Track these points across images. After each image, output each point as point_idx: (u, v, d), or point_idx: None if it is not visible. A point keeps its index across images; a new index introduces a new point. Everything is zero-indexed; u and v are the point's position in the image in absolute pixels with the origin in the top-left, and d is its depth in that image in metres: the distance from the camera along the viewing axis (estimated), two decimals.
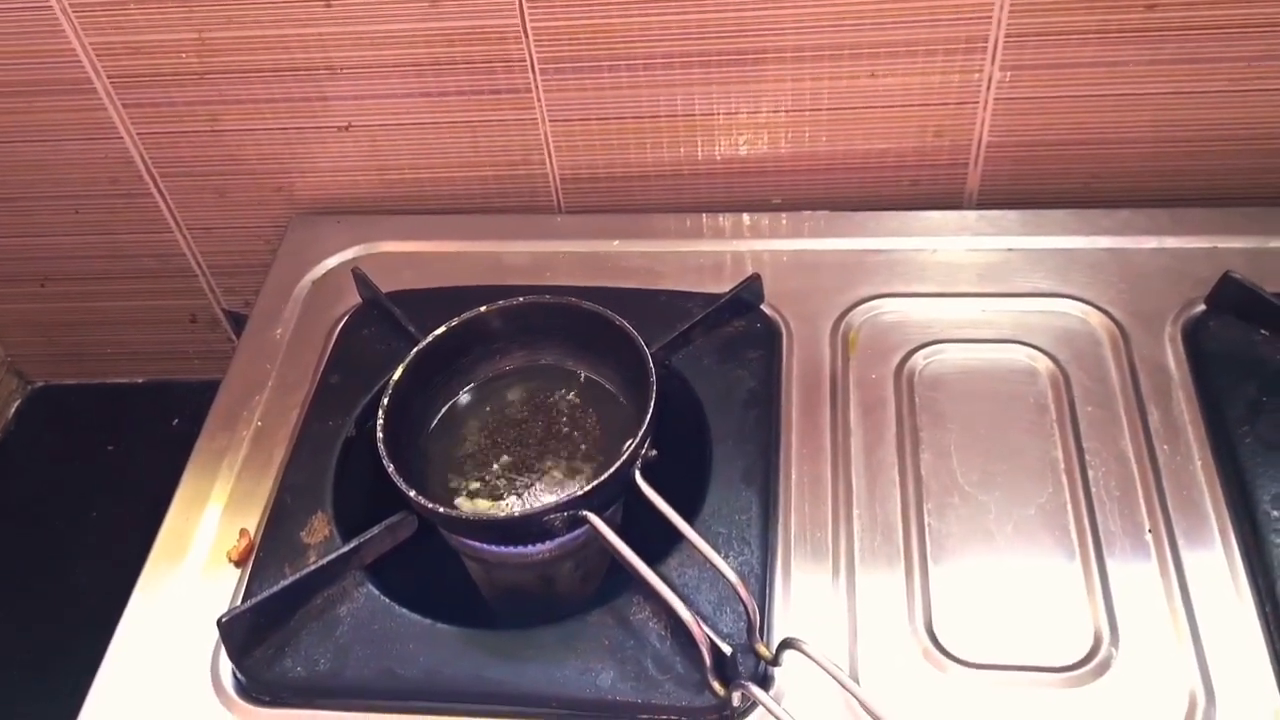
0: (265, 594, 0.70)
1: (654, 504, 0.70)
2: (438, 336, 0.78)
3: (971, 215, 0.95)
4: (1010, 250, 0.91)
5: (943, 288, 0.89)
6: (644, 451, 0.71)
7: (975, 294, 0.88)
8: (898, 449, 0.79)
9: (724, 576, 0.67)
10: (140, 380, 1.25)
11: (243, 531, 0.78)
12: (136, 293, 1.14)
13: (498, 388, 0.80)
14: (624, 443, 0.71)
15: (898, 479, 0.77)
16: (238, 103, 0.95)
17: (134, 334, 1.19)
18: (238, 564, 0.77)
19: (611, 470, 0.68)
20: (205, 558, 0.78)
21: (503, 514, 0.71)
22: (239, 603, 0.73)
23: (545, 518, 0.68)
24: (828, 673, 0.62)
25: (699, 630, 0.65)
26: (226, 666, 0.71)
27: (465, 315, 0.78)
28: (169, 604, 0.76)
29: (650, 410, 0.71)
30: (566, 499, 0.68)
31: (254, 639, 0.70)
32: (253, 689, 0.70)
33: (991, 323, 0.86)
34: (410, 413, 0.77)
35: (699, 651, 0.65)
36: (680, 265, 0.93)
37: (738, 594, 0.66)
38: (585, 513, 0.68)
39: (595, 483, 0.68)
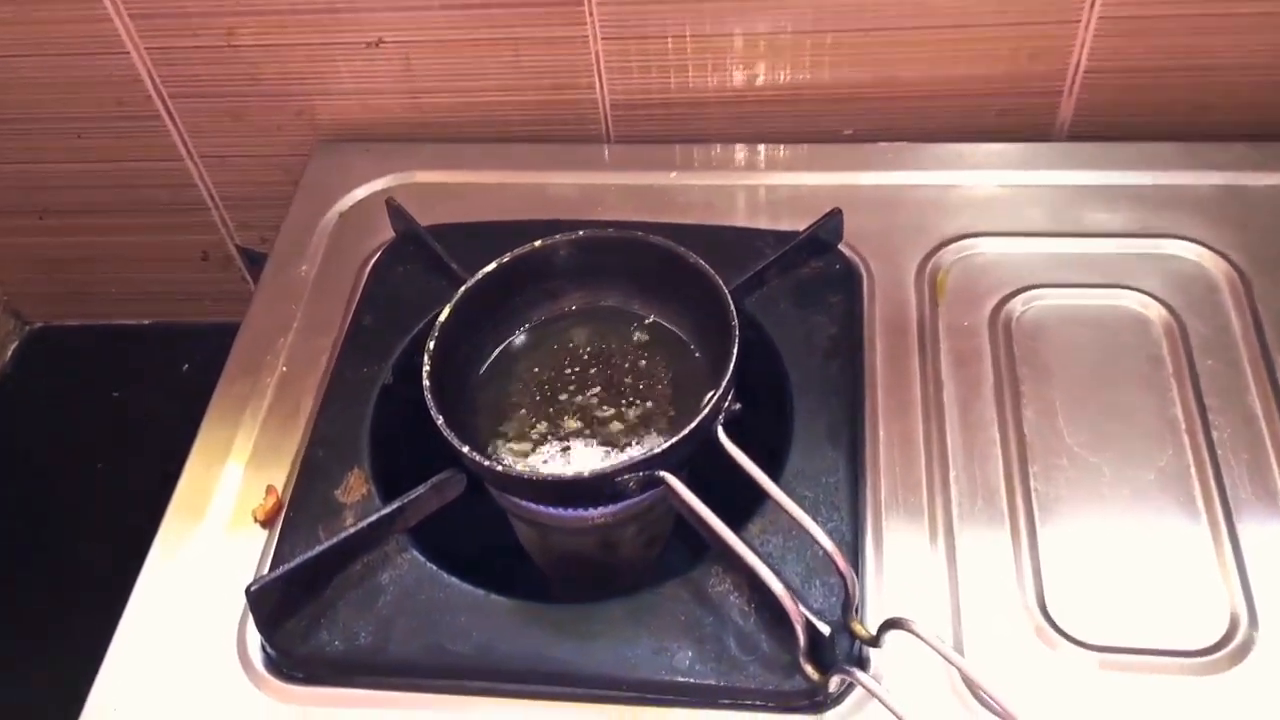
0: (298, 560, 0.63)
1: (737, 463, 0.62)
2: (488, 274, 0.69)
3: (1065, 148, 0.87)
4: (1111, 186, 0.83)
5: (1038, 227, 0.81)
6: (726, 404, 0.63)
7: (1074, 234, 0.80)
8: (997, 404, 0.72)
9: (819, 546, 0.59)
10: (147, 322, 1.17)
11: (270, 488, 0.71)
12: (144, 227, 1.06)
13: (554, 331, 0.72)
14: (697, 394, 0.64)
15: (998, 438, 0.70)
16: (256, 14, 0.87)
17: (140, 272, 1.12)
18: (264, 524, 0.70)
19: (693, 425, 0.61)
20: (228, 517, 0.71)
21: (569, 474, 0.63)
22: (268, 569, 0.66)
23: (618, 478, 0.60)
24: (948, 660, 0.55)
25: (794, 607, 0.58)
26: (255, 639, 0.65)
27: (520, 250, 0.70)
28: (189, 568, 0.69)
29: (733, 358, 0.63)
30: (642, 457, 0.60)
31: (286, 610, 0.63)
32: (285, 665, 0.64)
33: (1095, 265, 0.78)
34: (457, 359, 0.69)
35: (791, 630, 0.58)
36: (746, 201, 0.85)
37: (834, 565, 0.59)
38: (662, 473, 0.61)
39: (675, 439, 0.60)
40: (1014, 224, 0.81)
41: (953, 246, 0.80)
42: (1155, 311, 0.75)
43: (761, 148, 0.89)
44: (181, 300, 1.14)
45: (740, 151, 0.89)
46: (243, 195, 1.02)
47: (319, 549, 0.63)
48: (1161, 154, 0.84)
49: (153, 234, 1.07)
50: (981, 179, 0.85)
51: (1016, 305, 0.77)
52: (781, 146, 0.89)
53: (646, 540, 0.71)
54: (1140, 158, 0.84)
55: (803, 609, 0.58)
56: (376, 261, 0.83)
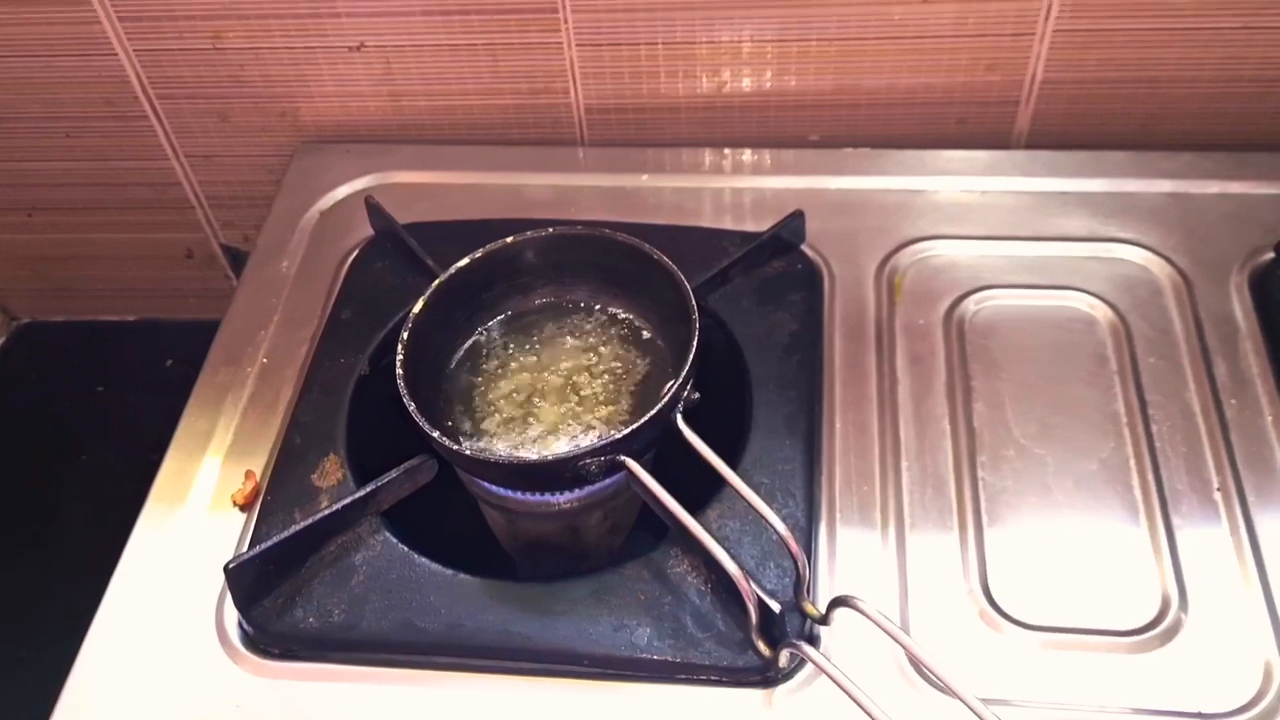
0: (274, 540, 0.66)
1: (696, 450, 0.65)
2: (460, 269, 0.72)
3: (1022, 155, 0.90)
4: (1065, 193, 0.86)
5: (993, 231, 0.84)
6: (686, 394, 0.66)
7: (1028, 238, 0.83)
8: (948, 399, 0.75)
9: (771, 529, 0.62)
10: (132, 318, 1.19)
11: (249, 473, 0.74)
12: (130, 225, 1.08)
13: (523, 325, 0.75)
14: (661, 384, 0.67)
15: (949, 430, 0.73)
16: (242, 18, 0.89)
17: (126, 269, 1.13)
18: (243, 508, 0.72)
19: (653, 412, 0.63)
20: (208, 501, 0.73)
21: (534, 457, 0.66)
22: (245, 548, 0.68)
23: (580, 462, 0.63)
24: (891, 636, 0.58)
25: (746, 586, 0.60)
26: (232, 616, 0.67)
27: (490, 246, 0.73)
28: (169, 549, 0.71)
29: (693, 350, 0.66)
30: (603, 442, 0.63)
31: (262, 588, 0.66)
32: (261, 640, 0.66)
33: (1046, 268, 0.81)
34: (430, 350, 0.72)
35: (744, 608, 0.60)
36: (713, 203, 0.88)
37: (786, 548, 0.62)
38: (623, 457, 0.64)
39: (635, 425, 0.63)
40: (970, 228, 0.84)
41: (910, 249, 0.83)
42: (1102, 312, 0.78)
43: (729, 152, 0.92)
44: (166, 297, 1.15)
45: (709, 156, 0.92)
46: (227, 194, 1.04)
47: (294, 529, 0.66)
48: (1114, 162, 0.87)
49: (139, 232, 1.09)
50: (941, 185, 0.87)
51: (970, 305, 0.80)
52: (748, 151, 0.91)
53: (611, 527, 0.74)
54: (1094, 166, 0.87)
55: (755, 588, 0.61)
56: (355, 258, 0.86)
